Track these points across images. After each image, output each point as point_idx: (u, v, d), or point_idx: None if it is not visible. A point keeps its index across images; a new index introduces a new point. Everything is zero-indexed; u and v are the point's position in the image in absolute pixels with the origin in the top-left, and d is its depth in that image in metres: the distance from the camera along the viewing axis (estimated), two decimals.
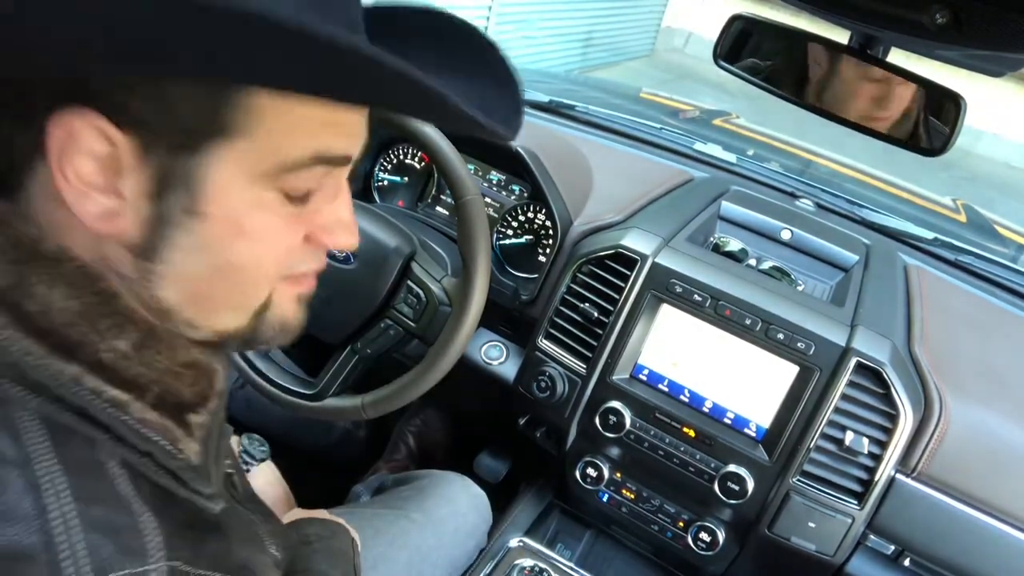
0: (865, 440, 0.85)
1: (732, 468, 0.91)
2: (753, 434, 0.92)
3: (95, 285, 0.41)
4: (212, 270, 0.42)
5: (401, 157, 1.27)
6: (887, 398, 0.86)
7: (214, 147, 0.38)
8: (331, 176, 0.44)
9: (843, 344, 0.87)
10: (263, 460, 0.98)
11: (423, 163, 1.26)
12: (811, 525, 0.88)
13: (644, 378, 0.97)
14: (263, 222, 0.42)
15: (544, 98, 1.53)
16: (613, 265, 0.97)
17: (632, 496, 1.02)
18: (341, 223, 0.47)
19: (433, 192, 1.27)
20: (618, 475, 1.02)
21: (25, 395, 0.38)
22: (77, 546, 0.37)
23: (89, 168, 0.37)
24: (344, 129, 0.42)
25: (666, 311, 0.94)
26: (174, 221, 0.40)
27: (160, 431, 0.42)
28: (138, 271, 0.41)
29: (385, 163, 1.28)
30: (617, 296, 0.95)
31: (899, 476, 0.87)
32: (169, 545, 0.41)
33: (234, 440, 1.00)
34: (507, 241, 1.18)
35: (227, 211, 0.40)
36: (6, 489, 0.36)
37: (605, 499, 1.04)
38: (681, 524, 1.00)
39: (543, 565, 0.98)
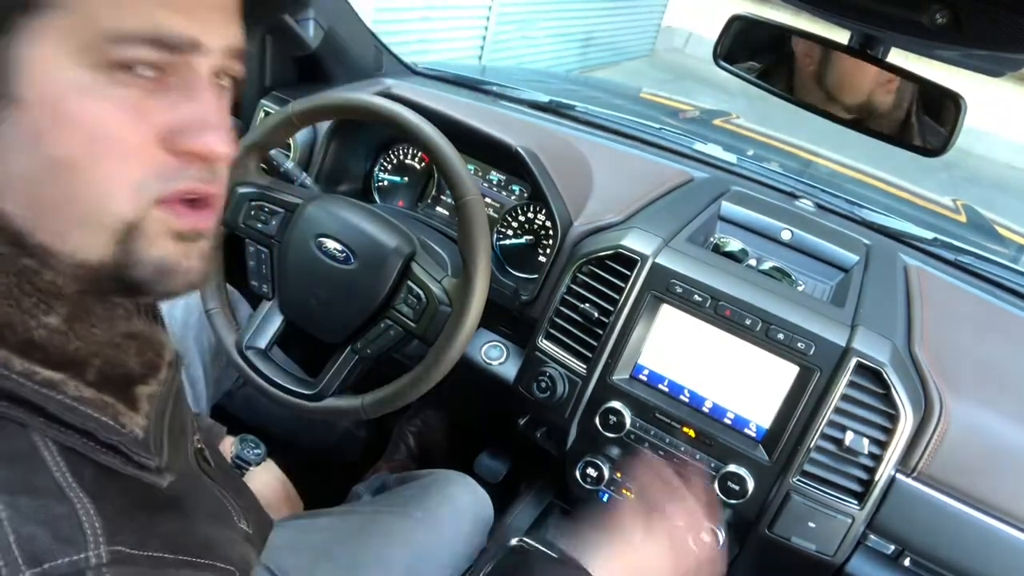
0: (865, 440, 0.85)
1: (732, 468, 0.91)
2: (753, 434, 0.92)
3: (16, 262, 0.39)
4: (42, 168, 0.38)
5: (401, 157, 1.27)
6: (887, 398, 0.86)
7: (26, 24, 0.35)
8: (180, 67, 0.39)
9: (843, 344, 0.87)
10: (258, 463, 0.98)
11: (423, 163, 1.26)
12: (811, 525, 0.88)
13: (644, 378, 0.97)
14: (92, 109, 0.37)
15: (544, 98, 1.53)
16: (613, 265, 0.97)
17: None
18: (203, 122, 0.40)
19: (433, 192, 1.27)
20: (618, 475, 1.02)
21: None
22: (8, 538, 0.36)
23: None
24: (182, 5, 0.38)
25: (666, 311, 0.94)
26: None
27: (99, 408, 0.40)
28: None
29: (385, 163, 1.28)
30: (617, 296, 0.95)
31: (899, 476, 0.87)
32: (110, 530, 0.39)
33: (227, 441, 1.00)
34: (507, 241, 1.18)
35: (46, 94, 0.36)
36: None
37: (605, 499, 1.04)
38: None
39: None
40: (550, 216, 1.08)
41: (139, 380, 0.43)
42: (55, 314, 0.39)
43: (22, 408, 0.38)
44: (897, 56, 0.79)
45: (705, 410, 0.94)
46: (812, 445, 0.87)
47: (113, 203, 0.39)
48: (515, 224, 1.17)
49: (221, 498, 0.56)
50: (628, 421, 0.95)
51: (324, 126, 1.21)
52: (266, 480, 0.99)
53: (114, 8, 0.36)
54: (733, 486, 0.90)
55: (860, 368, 0.86)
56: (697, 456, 0.93)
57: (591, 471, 1.01)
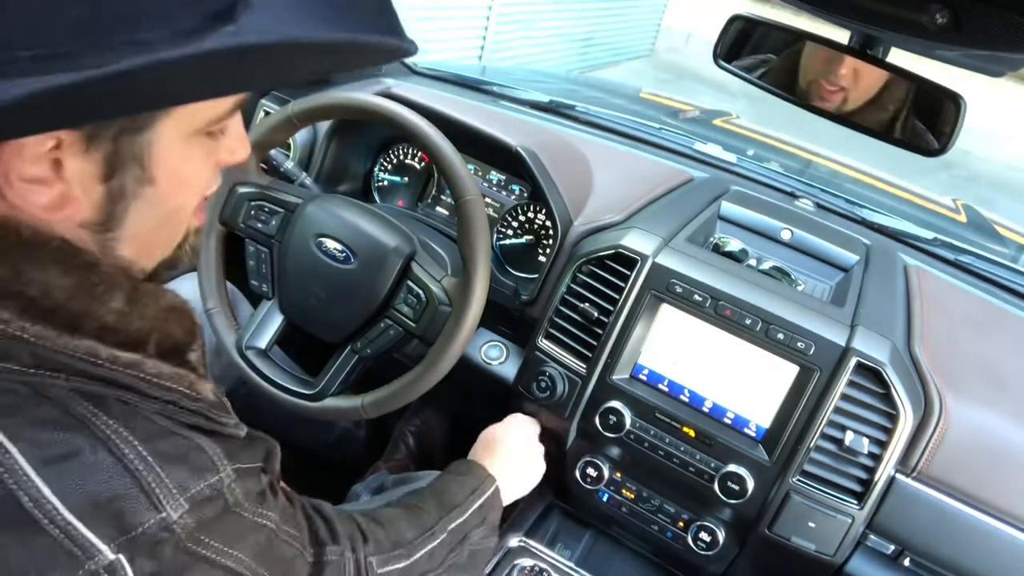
0: (865, 440, 0.85)
1: (732, 468, 0.91)
2: (753, 434, 0.92)
3: (79, 257, 0.44)
4: (160, 221, 0.48)
5: (401, 157, 1.27)
6: (887, 398, 0.86)
7: (159, 121, 0.42)
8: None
9: (843, 344, 0.87)
10: None
11: (423, 163, 1.26)
12: (811, 525, 0.88)
13: (644, 378, 0.97)
14: (195, 167, 0.47)
15: (544, 98, 1.53)
16: (613, 265, 0.97)
17: (632, 496, 1.02)
18: (239, 140, 0.51)
19: (433, 192, 1.27)
20: (618, 475, 1.02)
21: (52, 376, 0.42)
22: (161, 475, 0.43)
23: (33, 169, 0.39)
24: None
25: (666, 311, 0.94)
26: (129, 193, 0.44)
27: (176, 380, 0.47)
28: (98, 243, 0.45)
29: (385, 163, 1.28)
30: (617, 296, 0.95)
31: (899, 476, 0.87)
32: (228, 453, 0.48)
33: None
34: (507, 241, 1.18)
35: (171, 170, 0.45)
36: (80, 451, 0.41)
37: (605, 499, 1.04)
38: (681, 524, 1.00)
39: (543, 565, 0.98)
40: (550, 216, 1.08)
41: (187, 347, 0.50)
42: (118, 298, 0.45)
43: (117, 388, 0.44)
44: (898, 56, 0.79)
45: (705, 410, 0.94)
46: (812, 445, 0.87)
47: (186, 225, 0.52)
48: (515, 224, 1.17)
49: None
50: (628, 421, 0.95)
51: (324, 126, 1.21)
52: None
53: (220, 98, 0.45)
54: (733, 486, 0.90)
55: (860, 368, 0.86)
56: (697, 456, 0.93)
57: (591, 471, 1.01)
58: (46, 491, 0.39)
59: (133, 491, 0.42)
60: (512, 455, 0.96)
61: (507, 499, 0.94)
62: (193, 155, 0.46)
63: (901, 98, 0.84)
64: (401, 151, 1.27)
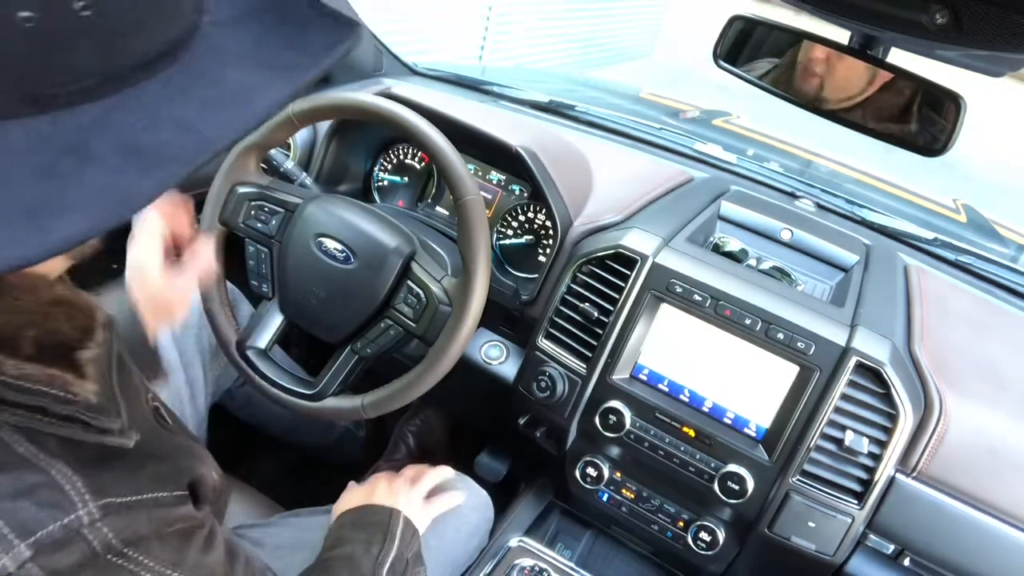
0: (865, 440, 0.85)
1: (732, 468, 0.91)
2: (753, 434, 0.92)
3: None
4: None
5: (401, 157, 1.27)
6: (887, 398, 0.86)
7: None
8: None
9: (843, 344, 0.87)
10: None
11: (423, 163, 1.26)
12: (811, 525, 0.88)
13: (644, 378, 0.97)
14: None
15: (544, 98, 1.53)
16: (613, 265, 0.97)
17: (632, 496, 1.02)
18: None
19: (433, 192, 1.27)
20: (618, 475, 1.02)
21: None
22: None
23: None
24: None
25: (666, 311, 0.94)
26: None
27: (47, 382, 0.41)
28: None
29: (385, 163, 1.28)
30: (617, 296, 0.95)
31: (899, 476, 0.87)
32: (94, 486, 0.41)
33: None
34: (507, 241, 1.18)
35: None
36: None
37: (605, 499, 1.04)
38: (681, 524, 1.00)
39: (543, 565, 0.98)
40: (550, 216, 1.08)
41: (77, 346, 0.43)
42: None
43: None
44: (898, 56, 0.79)
45: (705, 410, 0.94)
46: (812, 445, 0.87)
47: None
48: (515, 224, 1.17)
49: (188, 445, 0.56)
50: (628, 421, 0.95)
51: (324, 126, 1.21)
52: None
53: None
54: (733, 486, 0.90)
55: (860, 368, 0.86)
56: (697, 456, 0.93)
57: (591, 471, 1.01)
58: None
59: None
60: (393, 491, 0.91)
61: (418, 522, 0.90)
62: None
63: (901, 98, 0.84)
64: (401, 151, 1.27)
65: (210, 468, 0.53)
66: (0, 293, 0.40)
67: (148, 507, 0.44)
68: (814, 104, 0.87)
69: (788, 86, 0.89)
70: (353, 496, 0.93)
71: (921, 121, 0.84)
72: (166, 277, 0.76)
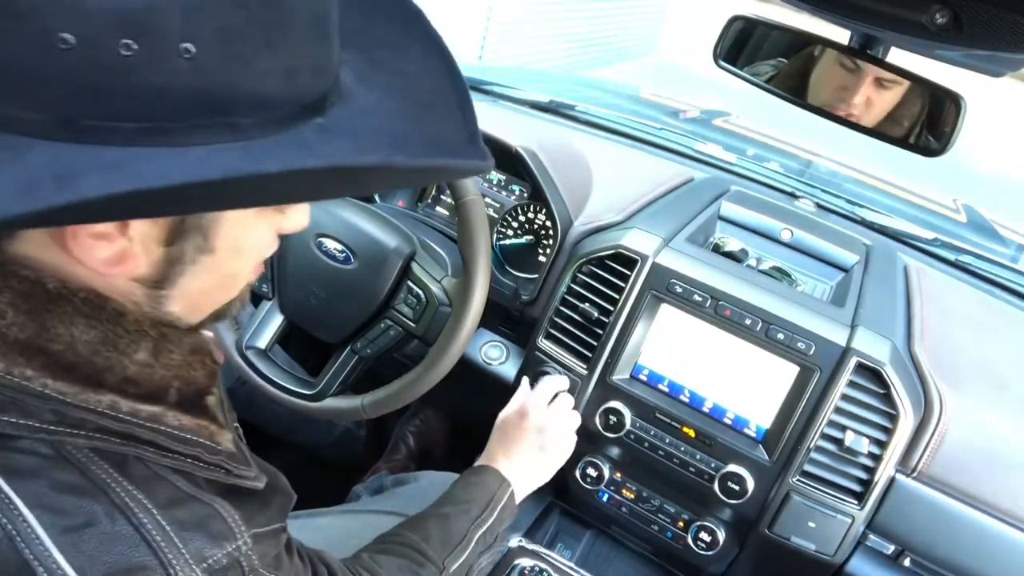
0: (865, 440, 0.85)
1: (732, 468, 0.91)
2: (753, 434, 0.92)
3: (105, 309, 0.43)
4: (214, 284, 0.47)
5: None
6: (887, 398, 0.86)
7: None
8: None
9: (843, 344, 0.87)
10: None
11: None
12: (811, 525, 0.88)
13: (644, 378, 0.97)
14: (257, 237, 0.47)
15: (544, 98, 1.53)
16: (613, 265, 0.97)
17: (632, 496, 1.02)
18: (302, 212, 0.51)
19: (433, 192, 1.27)
20: (618, 475, 1.02)
21: (72, 433, 0.41)
22: (178, 545, 0.42)
23: (99, 225, 0.39)
24: None
25: (666, 311, 0.94)
26: (187, 259, 0.44)
27: (197, 432, 0.46)
28: (148, 297, 0.45)
29: None
30: (617, 296, 0.95)
31: (899, 476, 0.87)
32: (245, 518, 0.47)
33: None
34: (507, 241, 1.18)
35: (232, 241, 0.45)
36: (99, 519, 0.40)
37: (605, 499, 1.04)
38: (681, 524, 1.00)
39: (543, 565, 0.98)
40: (550, 216, 1.08)
41: (206, 391, 0.48)
42: (143, 349, 0.44)
43: (137, 444, 0.43)
44: (898, 56, 0.79)
45: (705, 410, 0.94)
46: (812, 445, 0.87)
47: (242, 286, 0.51)
48: (515, 224, 1.17)
49: (268, 466, 0.61)
50: (628, 421, 0.95)
51: None
52: None
53: None
54: (733, 486, 0.90)
55: (860, 368, 0.86)
56: (697, 456, 0.93)
57: (591, 471, 1.01)
58: (62, 562, 0.38)
59: (151, 562, 0.41)
60: (528, 447, 0.92)
61: (527, 490, 0.92)
62: (258, 228, 0.46)
63: (901, 99, 0.84)
64: None
65: (291, 490, 0.58)
66: (162, 349, 0.45)
67: (276, 535, 0.52)
68: (814, 104, 0.87)
69: (788, 86, 0.89)
70: (502, 437, 0.94)
71: (921, 121, 0.83)
72: None
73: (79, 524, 0.40)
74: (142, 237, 0.41)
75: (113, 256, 0.40)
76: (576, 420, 0.98)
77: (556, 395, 0.99)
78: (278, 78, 0.37)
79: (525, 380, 1.01)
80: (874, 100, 0.83)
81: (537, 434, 0.93)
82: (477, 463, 0.92)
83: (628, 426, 0.95)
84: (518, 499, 0.89)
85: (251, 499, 0.49)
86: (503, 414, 0.97)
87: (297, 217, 0.50)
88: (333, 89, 0.41)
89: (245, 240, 0.46)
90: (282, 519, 0.53)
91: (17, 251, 0.40)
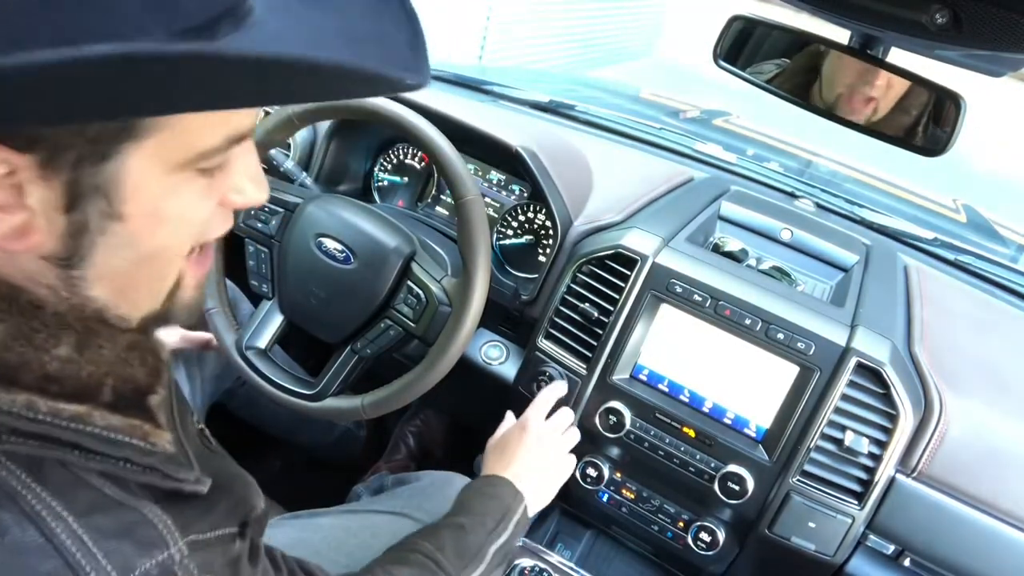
0: (865, 440, 0.85)
1: (732, 468, 0.91)
2: (753, 434, 0.92)
3: (18, 301, 0.40)
4: (136, 262, 0.42)
5: (401, 157, 1.27)
6: (887, 398, 0.86)
7: (125, 150, 0.37)
8: (239, 144, 0.43)
9: (843, 344, 0.87)
10: None
11: (423, 163, 1.26)
12: (811, 525, 0.88)
13: (644, 378, 0.97)
14: (181, 204, 0.41)
15: (544, 98, 1.53)
16: (613, 265, 0.97)
17: (632, 496, 1.02)
18: (251, 180, 0.46)
19: (433, 192, 1.27)
20: (618, 475, 1.02)
21: None
22: (96, 556, 0.39)
23: None
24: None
25: (666, 311, 0.94)
26: (93, 227, 0.39)
27: (129, 432, 0.42)
28: (63, 279, 0.40)
29: (385, 163, 1.28)
30: (617, 296, 0.95)
31: (899, 476, 0.87)
32: (180, 524, 0.43)
33: None
34: (507, 241, 1.18)
35: (146, 206, 0.40)
36: (8, 529, 0.37)
37: (605, 499, 1.04)
38: (681, 524, 1.00)
39: (543, 565, 0.98)
40: (550, 216, 1.08)
41: (148, 390, 0.44)
42: (64, 344, 0.41)
43: (57, 447, 0.39)
44: (898, 56, 0.79)
45: (705, 410, 0.94)
46: (812, 445, 0.87)
47: (175, 271, 0.45)
48: (515, 224, 1.17)
49: (239, 471, 0.58)
50: (628, 421, 0.95)
51: (324, 126, 1.21)
52: None
53: (201, 127, 0.39)
54: (733, 486, 0.90)
55: (860, 368, 0.86)
56: (697, 456, 0.93)
57: (591, 471, 1.01)
58: None
59: (64, 574, 0.38)
60: (527, 459, 0.90)
61: (534, 507, 0.89)
62: (180, 192, 0.41)
63: (910, 98, 0.84)
64: (401, 151, 1.27)
65: (259, 497, 0.55)
66: (87, 344, 0.41)
67: (224, 542, 0.48)
68: (814, 104, 0.87)
69: (788, 86, 0.89)
70: (502, 452, 0.92)
71: (921, 121, 0.83)
72: None
73: None
74: (42, 207, 0.37)
75: (12, 230, 0.37)
76: (575, 438, 0.98)
77: (555, 409, 0.99)
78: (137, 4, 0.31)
79: (509, 413, 1.02)
80: (893, 83, 0.82)
81: (537, 446, 0.92)
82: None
83: (628, 426, 0.95)
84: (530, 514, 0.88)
85: (191, 504, 0.46)
86: (496, 434, 0.96)
87: (242, 185, 0.45)
88: (226, 16, 0.34)
89: (164, 206, 0.40)
90: (232, 524, 0.49)
91: None
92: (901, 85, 0.83)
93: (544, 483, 0.92)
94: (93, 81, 0.30)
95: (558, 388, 0.99)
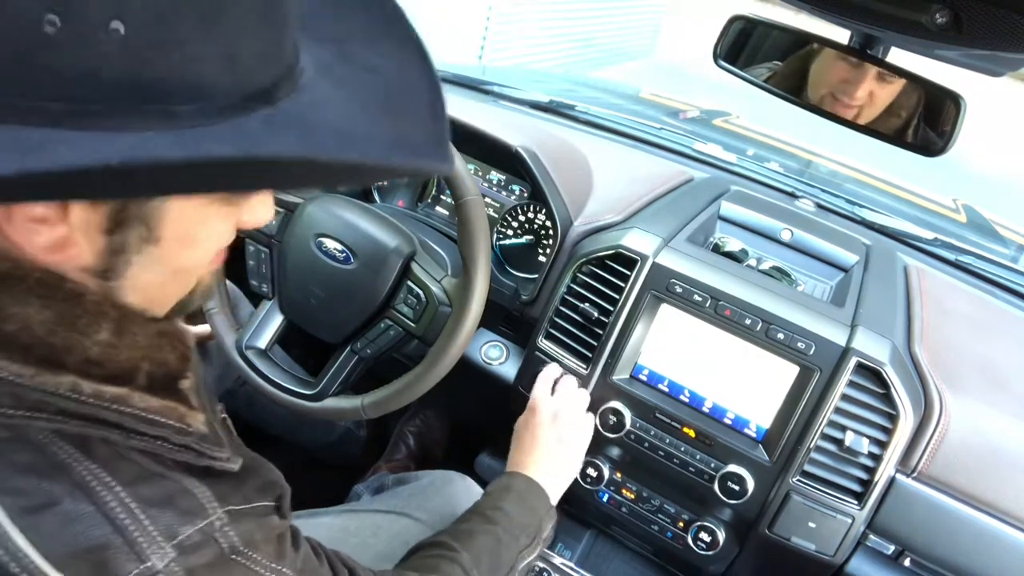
0: (865, 440, 0.85)
1: (732, 468, 0.91)
2: (753, 434, 0.92)
3: (62, 289, 0.41)
4: (167, 276, 0.47)
5: None
6: (887, 398, 0.86)
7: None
8: None
9: (843, 344, 0.87)
10: None
11: None
12: (811, 525, 0.88)
13: (644, 378, 0.97)
14: (209, 229, 0.46)
15: (544, 98, 1.53)
16: (613, 265, 0.97)
17: (632, 496, 1.02)
18: (263, 204, 0.50)
19: (433, 192, 1.27)
20: (618, 475, 1.02)
21: (30, 417, 0.40)
22: (143, 522, 0.41)
23: (38, 208, 0.38)
24: None
25: (666, 311, 0.94)
26: (130, 249, 0.42)
27: (165, 413, 0.44)
28: (101, 288, 0.44)
29: None
30: (617, 296, 0.95)
31: (899, 476, 0.87)
32: (218, 494, 0.46)
33: None
34: (507, 241, 1.18)
35: (180, 231, 0.43)
36: (60, 499, 0.39)
37: (605, 499, 1.04)
38: (681, 524, 1.00)
39: (543, 565, 0.98)
40: (550, 216, 1.08)
41: (179, 375, 0.47)
42: (105, 329, 0.43)
43: (101, 426, 0.42)
44: (898, 56, 0.79)
45: (705, 410, 0.94)
46: (812, 445, 0.87)
47: (200, 275, 0.51)
48: (515, 224, 1.17)
49: (257, 456, 0.60)
50: (628, 421, 0.95)
51: None
52: None
53: None
54: (733, 486, 0.90)
55: (860, 368, 0.86)
56: (697, 456, 0.93)
57: (591, 471, 1.01)
58: (21, 543, 0.38)
59: (115, 540, 0.40)
60: (546, 441, 0.91)
61: (560, 489, 0.92)
62: (208, 218, 0.45)
63: (901, 98, 0.84)
64: None
65: (284, 482, 0.57)
66: (124, 329, 0.44)
67: (258, 515, 0.50)
68: (814, 104, 0.87)
69: (788, 86, 0.89)
70: (520, 441, 0.93)
71: (921, 121, 0.84)
72: None
73: (39, 505, 0.39)
74: (83, 224, 0.39)
75: (52, 243, 0.39)
76: (586, 397, 0.97)
77: (558, 380, 0.99)
78: (215, 64, 0.34)
79: (532, 393, 0.99)
80: (877, 94, 0.83)
81: (552, 424, 0.93)
82: (508, 470, 0.90)
83: (628, 426, 0.95)
84: (553, 501, 0.89)
85: (224, 479, 0.48)
86: (519, 421, 0.96)
87: (256, 210, 0.49)
88: (285, 79, 0.39)
89: (195, 232, 0.44)
90: (262, 499, 0.52)
91: None
92: (888, 94, 0.83)
93: (568, 458, 0.93)
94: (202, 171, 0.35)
95: (553, 368, 0.99)
